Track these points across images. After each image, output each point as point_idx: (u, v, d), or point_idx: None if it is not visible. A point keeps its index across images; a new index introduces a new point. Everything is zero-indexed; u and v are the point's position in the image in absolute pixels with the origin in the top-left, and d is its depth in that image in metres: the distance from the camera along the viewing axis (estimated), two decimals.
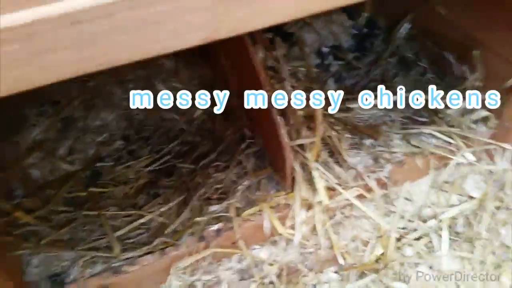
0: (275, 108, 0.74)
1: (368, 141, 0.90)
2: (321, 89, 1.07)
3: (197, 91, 1.11)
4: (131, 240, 0.81)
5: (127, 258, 0.77)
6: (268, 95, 0.72)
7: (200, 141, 0.98)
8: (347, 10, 1.31)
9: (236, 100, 0.94)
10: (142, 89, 1.12)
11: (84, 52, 0.36)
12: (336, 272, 0.77)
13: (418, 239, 0.77)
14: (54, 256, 0.78)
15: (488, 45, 0.89)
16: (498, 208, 0.80)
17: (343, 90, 1.06)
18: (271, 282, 0.75)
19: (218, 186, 0.83)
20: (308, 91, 1.06)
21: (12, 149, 0.96)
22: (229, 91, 0.97)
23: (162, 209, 0.84)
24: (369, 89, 1.04)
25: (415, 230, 0.78)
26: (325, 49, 1.22)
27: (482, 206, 0.80)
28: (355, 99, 1.00)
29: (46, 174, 0.94)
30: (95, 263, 0.77)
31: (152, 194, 0.89)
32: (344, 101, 1.02)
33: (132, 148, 1.00)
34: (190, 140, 1.00)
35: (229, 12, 0.39)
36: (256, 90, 0.77)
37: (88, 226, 0.83)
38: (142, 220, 0.82)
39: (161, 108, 1.08)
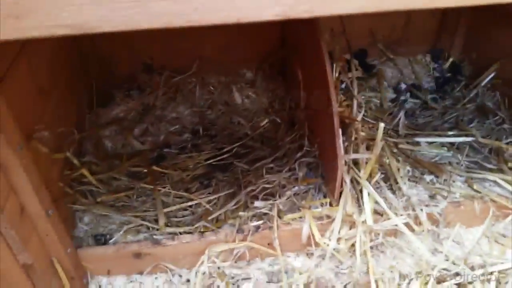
0: (338, 122, 0.75)
1: (428, 177, 0.87)
2: (391, 121, 1.06)
3: (269, 101, 1.16)
4: (177, 219, 0.85)
5: (168, 233, 0.81)
6: (334, 109, 0.74)
7: (260, 146, 1.02)
8: (433, 52, 1.30)
9: (303, 112, 0.97)
10: (221, 93, 1.21)
11: (178, 5, 0.41)
12: None
13: (459, 285, 0.72)
14: (104, 217, 0.85)
15: None
16: None
17: (415, 127, 1.05)
18: None
19: (267, 186, 0.86)
20: (377, 120, 1.07)
21: (95, 120, 1.07)
22: (299, 104, 1.00)
23: (211, 198, 0.88)
24: (441, 130, 1.01)
25: (458, 275, 0.72)
26: (403, 86, 1.22)
27: None
28: (424, 136, 0.98)
29: (118, 147, 1.04)
30: (139, 231, 0.82)
31: (205, 184, 0.93)
32: (412, 135, 1.01)
33: (198, 142, 1.07)
34: (251, 144, 1.04)
35: None
36: (325, 104, 0.79)
37: (142, 197, 0.90)
38: (190, 203, 0.87)
39: (232, 112, 1.14)
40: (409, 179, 0.86)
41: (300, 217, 0.79)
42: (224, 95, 1.21)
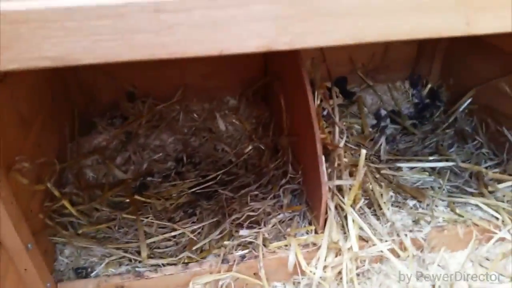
0: (321, 148, 0.76)
1: (411, 202, 0.88)
2: (373, 147, 1.08)
3: (253, 128, 1.17)
4: (160, 250, 0.84)
5: (151, 265, 0.79)
6: (317, 136, 0.75)
7: (244, 173, 1.02)
8: (411, 79, 1.33)
9: (286, 139, 0.97)
10: (204, 120, 1.21)
11: (161, 38, 0.41)
12: None
13: None
14: (86, 250, 0.83)
15: None
16: None
17: (396, 152, 1.07)
18: None
19: (252, 214, 0.85)
20: (359, 146, 1.08)
21: (77, 149, 1.06)
22: (282, 130, 1.01)
23: (195, 227, 0.86)
24: (422, 155, 1.03)
25: None
26: (383, 112, 1.24)
27: None
28: (406, 161, 1.00)
29: (100, 177, 1.02)
30: (121, 263, 0.80)
31: (190, 212, 0.92)
32: (394, 161, 1.02)
33: (182, 170, 1.06)
34: (235, 171, 1.04)
35: (288, 26, 0.43)
36: (307, 131, 0.80)
37: (124, 228, 0.88)
38: (173, 233, 0.85)
39: (216, 139, 1.15)
40: (392, 205, 0.87)
41: (286, 245, 0.79)
42: (207, 122, 1.21)
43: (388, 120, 1.22)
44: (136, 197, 0.95)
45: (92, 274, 0.78)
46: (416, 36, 0.46)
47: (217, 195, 0.96)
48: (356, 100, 1.28)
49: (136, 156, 1.09)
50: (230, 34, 0.42)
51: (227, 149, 1.12)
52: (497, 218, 0.82)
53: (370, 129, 1.18)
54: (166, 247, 0.85)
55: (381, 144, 1.07)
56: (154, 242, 0.84)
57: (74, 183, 0.96)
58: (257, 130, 1.17)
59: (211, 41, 0.42)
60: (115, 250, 0.82)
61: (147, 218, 0.89)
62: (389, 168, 0.97)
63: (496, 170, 0.94)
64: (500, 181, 0.89)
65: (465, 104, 1.13)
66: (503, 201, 0.85)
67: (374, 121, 1.22)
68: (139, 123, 1.17)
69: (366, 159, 1.00)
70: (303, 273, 0.76)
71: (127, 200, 0.95)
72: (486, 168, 0.95)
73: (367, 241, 0.78)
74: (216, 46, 0.43)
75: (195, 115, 1.23)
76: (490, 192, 0.87)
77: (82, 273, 0.79)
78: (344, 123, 1.19)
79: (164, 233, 0.86)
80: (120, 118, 1.20)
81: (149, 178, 1.04)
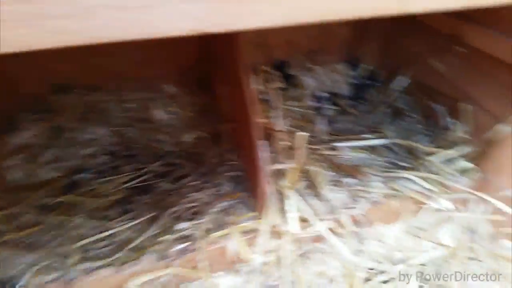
0: (259, 133, 0.74)
1: (348, 180, 0.89)
2: (313, 129, 1.08)
3: (192, 116, 1.13)
4: (94, 252, 0.79)
5: (84, 269, 0.74)
6: (255, 121, 0.73)
7: (183, 163, 0.98)
8: (349, 60, 1.35)
9: (227, 125, 0.95)
10: (140, 110, 1.15)
11: (81, 23, 0.37)
12: None
13: (385, 282, 0.73)
14: (11, 259, 0.76)
15: (478, 100, 0.90)
16: (469, 258, 0.76)
17: (334, 133, 1.07)
18: None
19: (191, 205, 0.82)
20: (299, 129, 1.08)
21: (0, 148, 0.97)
22: (221, 116, 0.98)
23: (131, 224, 0.82)
24: (360, 134, 1.05)
25: (383, 272, 0.74)
26: (322, 94, 1.24)
27: (453, 256, 0.76)
28: (343, 140, 1.00)
29: (25, 177, 0.94)
30: (51, 269, 0.75)
31: (126, 209, 0.87)
32: (333, 141, 1.02)
33: (117, 164, 1.00)
34: (174, 161, 1.00)
35: (221, 7, 0.40)
36: (246, 117, 0.77)
37: (54, 231, 0.81)
38: (107, 233, 0.81)
39: (153, 129, 1.09)
40: (331, 184, 0.87)
41: (227, 234, 0.76)
42: (144, 111, 1.15)
43: (327, 102, 1.22)
44: (66, 196, 0.89)
45: (19, 285, 0.72)
46: (351, 15, 0.45)
47: (155, 188, 0.92)
48: (296, 83, 1.28)
49: (66, 152, 1.02)
50: (159, 16, 0.39)
51: (166, 139, 1.07)
52: (430, 190, 0.85)
53: (311, 111, 1.18)
54: (101, 248, 0.80)
55: (320, 126, 1.07)
56: (87, 243, 0.79)
57: None
58: (197, 118, 1.13)
59: (138, 24, 0.39)
60: (44, 256, 0.76)
61: (78, 218, 0.83)
62: (328, 148, 0.97)
63: (429, 144, 0.96)
64: (432, 154, 0.92)
65: (400, 83, 1.16)
66: (435, 174, 0.87)
67: (315, 103, 1.22)
68: (67, 116, 1.10)
69: (305, 141, 1.00)
70: (244, 260, 0.74)
71: (56, 201, 0.88)
72: (419, 142, 0.97)
73: (306, 222, 0.78)
74: (144, 29, 0.39)
75: (130, 104, 1.17)
76: (422, 165, 0.90)
77: (6, 284, 0.72)
78: (285, 106, 1.18)
79: (97, 233, 0.81)
80: (46, 112, 1.11)
81: (81, 175, 0.97)
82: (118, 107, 1.14)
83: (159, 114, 1.15)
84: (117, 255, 0.76)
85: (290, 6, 0.42)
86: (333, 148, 0.97)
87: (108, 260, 0.75)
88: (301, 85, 1.26)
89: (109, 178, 0.96)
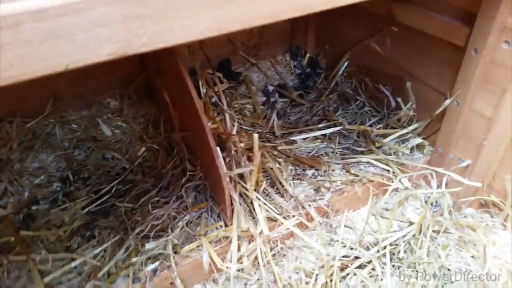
0: (213, 140, 0.73)
1: (310, 172, 0.90)
2: (266, 125, 1.08)
3: (142, 128, 1.10)
4: (63, 286, 0.75)
5: None
6: (207, 129, 0.72)
7: (141, 179, 0.95)
8: (290, 51, 1.36)
9: (179, 135, 0.93)
10: (86, 129, 1.10)
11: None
12: None
13: (361, 267, 0.76)
14: None
15: (420, 77, 0.94)
16: (437, 232, 0.81)
17: (288, 126, 1.09)
18: None
19: (156, 223, 0.80)
20: (253, 126, 1.08)
21: None
22: (171, 125, 0.96)
23: (96, 251, 0.79)
24: (312, 124, 1.07)
25: (357, 258, 0.76)
26: (270, 88, 1.25)
27: (421, 231, 0.80)
28: (298, 133, 1.02)
29: None
30: None
31: (87, 236, 0.84)
32: (288, 135, 1.04)
33: (70, 190, 0.96)
34: (131, 178, 0.97)
35: (142, 26, 0.39)
36: (197, 125, 0.76)
37: (15, 272, 0.77)
38: (73, 264, 0.77)
39: (103, 147, 1.05)
40: (293, 178, 0.89)
41: (198, 246, 0.76)
42: (90, 130, 1.10)
43: (276, 95, 1.23)
44: (23, 233, 0.83)
45: None
46: (275, 18, 0.45)
47: (115, 209, 0.88)
48: (243, 80, 1.28)
49: (13, 185, 0.96)
50: (74, 45, 0.37)
51: (117, 155, 1.03)
52: (388, 171, 0.89)
53: (261, 107, 1.19)
54: (69, 280, 0.76)
55: (273, 121, 1.08)
56: (53, 279, 0.75)
57: None
58: (147, 129, 1.10)
59: (53, 55, 0.36)
60: None
61: (39, 254, 0.78)
62: (285, 143, 0.98)
63: (380, 125, 1.00)
64: (384, 136, 0.96)
65: (343, 68, 1.19)
66: (390, 154, 0.91)
67: (264, 98, 1.23)
68: (9, 147, 1.03)
69: (261, 139, 1.00)
70: (219, 270, 0.74)
71: (12, 239, 0.83)
72: (371, 125, 1.01)
73: (276, 221, 0.79)
74: (60, 60, 0.37)
75: (73, 125, 1.11)
76: (378, 148, 0.93)
77: None
78: (236, 105, 1.18)
79: (63, 266, 0.77)
80: None
81: (34, 207, 0.92)
82: (63, 130, 1.09)
83: (106, 130, 1.11)
84: (87, 286, 0.73)
85: (215, 16, 0.42)
86: (290, 142, 0.98)
87: None
88: (248, 82, 1.26)
89: (64, 206, 0.91)
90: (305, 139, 1.00)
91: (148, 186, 0.92)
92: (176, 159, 0.94)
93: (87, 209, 0.89)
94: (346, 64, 1.18)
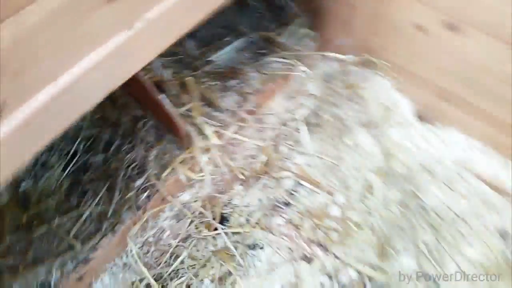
0: (150, 85, 0.91)
1: (232, 82, 1.13)
2: (183, 51, 1.24)
3: None
4: (84, 234, 0.98)
5: (88, 249, 0.95)
6: (142, 78, 0.89)
7: (100, 132, 1.12)
8: None
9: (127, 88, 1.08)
10: None
11: None
12: (241, 185, 1.04)
13: (287, 138, 1.06)
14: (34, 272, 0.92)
15: None
16: (334, 103, 1.11)
17: (202, 46, 1.25)
18: (201, 213, 1.00)
19: (134, 164, 1.02)
20: (175, 54, 1.23)
21: None
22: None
23: (96, 200, 1.01)
24: (220, 38, 1.24)
25: (286, 135, 1.06)
26: None
27: (323, 100, 1.10)
28: (213, 50, 1.21)
29: None
30: (66, 264, 0.93)
31: (80, 192, 1.04)
32: (204, 54, 1.22)
33: (43, 160, 1.11)
34: (90, 133, 1.13)
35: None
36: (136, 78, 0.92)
37: (47, 240, 0.97)
38: (84, 216, 0.99)
39: None
40: (221, 92, 1.11)
41: (173, 169, 1.00)
42: None
43: None
44: (29, 212, 1.01)
45: (53, 283, 0.92)
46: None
47: (92, 164, 1.07)
48: None
49: None
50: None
51: None
52: (290, 63, 1.13)
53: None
54: (87, 228, 0.98)
55: (188, 45, 1.23)
56: (75, 232, 0.97)
57: None
58: None
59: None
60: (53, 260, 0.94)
61: (53, 219, 0.99)
62: (204, 64, 1.17)
63: (280, 30, 1.21)
64: (280, 34, 1.18)
65: None
66: (289, 49, 1.15)
67: None
68: None
69: (182, 63, 1.18)
70: (193, 179, 1.01)
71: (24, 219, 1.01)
72: (267, 28, 1.21)
73: (220, 132, 1.04)
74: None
75: None
76: (278, 47, 1.16)
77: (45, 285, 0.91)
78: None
79: (77, 220, 0.98)
80: None
81: (23, 184, 1.07)
82: None
83: None
84: (104, 226, 0.97)
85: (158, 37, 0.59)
86: (208, 62, 1.18)
87: (101, 232, 0.96)
88: None
89: (46, 175, 1.08)
90: (220, 55, 1.19)
91: (109, 136, 1.10)
92: (125, 109, 1.10)
93: (67, 171, 1.07)
94: None
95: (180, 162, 1.01)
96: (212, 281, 0.93)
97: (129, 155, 1.03)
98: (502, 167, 1.04)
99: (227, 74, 1.14)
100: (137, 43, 0.59)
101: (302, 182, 1.04)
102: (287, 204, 1.02)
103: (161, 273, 0.94)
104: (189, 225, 0.98)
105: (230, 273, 0.93)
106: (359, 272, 0.92)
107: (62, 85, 0.53)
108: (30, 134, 0.52)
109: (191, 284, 0.93)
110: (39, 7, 0.45)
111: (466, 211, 0.99)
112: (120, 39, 0.56)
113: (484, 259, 0.91)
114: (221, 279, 0.93)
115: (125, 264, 0.97)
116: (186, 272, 0.95)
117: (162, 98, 0.92)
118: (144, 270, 0.92)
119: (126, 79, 0.60)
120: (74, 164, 1.08)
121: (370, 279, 0.90)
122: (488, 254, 0.92)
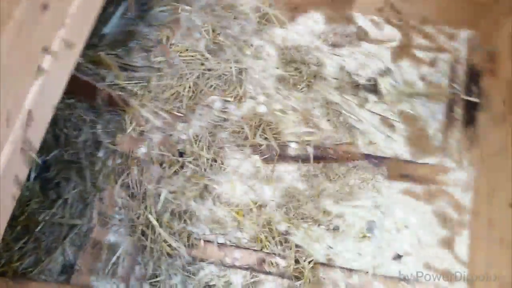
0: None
1: (132, 43, 1.28)
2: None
3: None
4: (77, 213, 1.13)
5: (87, 222, 1.11)
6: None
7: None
8: None
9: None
10: None
11: None
12: (182, 122, 1.23)
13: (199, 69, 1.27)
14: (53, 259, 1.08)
15: None
16: (222, 23, 1.30)
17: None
18: (162, 155, 1.19)
19: (88, 143, 1.16)
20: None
21: None
22: None
23: (72, 185, 1.15)
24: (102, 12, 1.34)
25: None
26: None
27: (214, 27, 1.30)
28: (101, 25, 1.31)
29: None
30: (74, 241, 1.09)
31: (54, 185, 1.16)
32: (96, 31, 1.32)
33: None
34: None
35: None
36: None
37: (47, 233, 1.11)
38: (69, 201, 1.13)
39: None
40: (128, 54, 1.25)
41: (123, 130, 1.17)
42: None
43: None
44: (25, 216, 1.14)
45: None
46: None
47: (48, 160, 1.19)
48: None
49: None
50: None
51: None
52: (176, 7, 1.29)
53: None
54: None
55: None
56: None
57: None
58: None
59: None
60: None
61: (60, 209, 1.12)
62: (101, 37, 1.29)
63: None
64: None
65: None
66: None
67: None
68: None
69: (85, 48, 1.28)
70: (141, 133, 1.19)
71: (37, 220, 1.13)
72: None
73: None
74: None
75: None
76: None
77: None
78: None
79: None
80: None
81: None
82: None
83: None
84: (90, 198, 1.13)
85: None
86: (103, 36, 1.29)
87: (90, 204, 1.12)
88: None
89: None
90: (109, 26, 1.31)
91: (51, 133, 1.21)
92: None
93: (30, 176, 1.18)
94: None
95: (126, 124, 1.17)
96: (195, 200, 1.15)
97: (80, 138, 1.17)
98: None
99: (126, 39, 1.28)
100: None
101: (227, 98, 1.26)
102: (225, 119, 1.24)
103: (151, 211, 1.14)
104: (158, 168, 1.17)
105: (206, 187, 1.16)
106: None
107: None
108: None
109: (180, 211, 1.14)
110: None
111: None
112: None
113: None
114: (201, 195, 1.15)
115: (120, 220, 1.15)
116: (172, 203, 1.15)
117: (87, 79, 1.06)
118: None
119: None
120: (34, 167, 1.19)
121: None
122: None
